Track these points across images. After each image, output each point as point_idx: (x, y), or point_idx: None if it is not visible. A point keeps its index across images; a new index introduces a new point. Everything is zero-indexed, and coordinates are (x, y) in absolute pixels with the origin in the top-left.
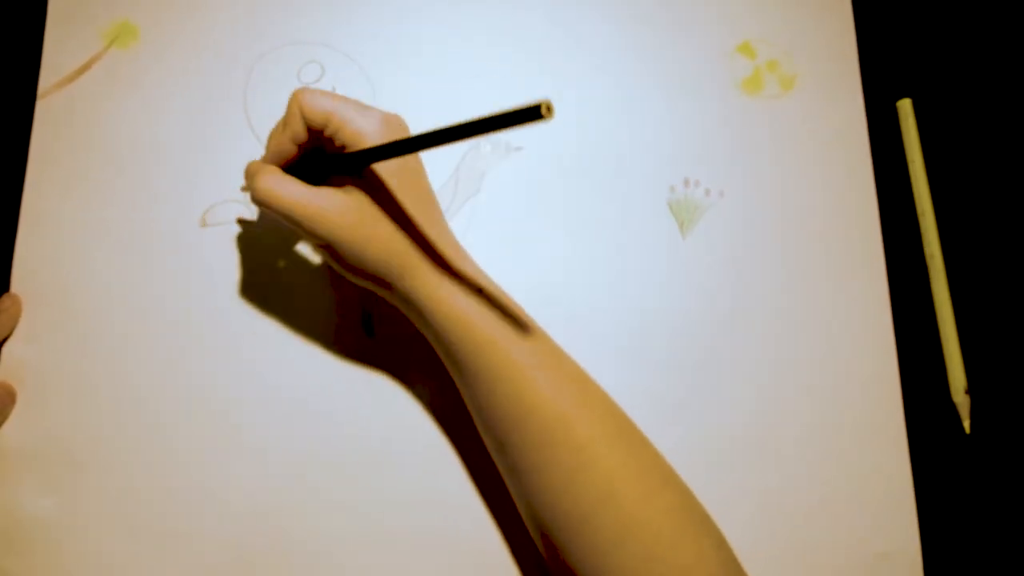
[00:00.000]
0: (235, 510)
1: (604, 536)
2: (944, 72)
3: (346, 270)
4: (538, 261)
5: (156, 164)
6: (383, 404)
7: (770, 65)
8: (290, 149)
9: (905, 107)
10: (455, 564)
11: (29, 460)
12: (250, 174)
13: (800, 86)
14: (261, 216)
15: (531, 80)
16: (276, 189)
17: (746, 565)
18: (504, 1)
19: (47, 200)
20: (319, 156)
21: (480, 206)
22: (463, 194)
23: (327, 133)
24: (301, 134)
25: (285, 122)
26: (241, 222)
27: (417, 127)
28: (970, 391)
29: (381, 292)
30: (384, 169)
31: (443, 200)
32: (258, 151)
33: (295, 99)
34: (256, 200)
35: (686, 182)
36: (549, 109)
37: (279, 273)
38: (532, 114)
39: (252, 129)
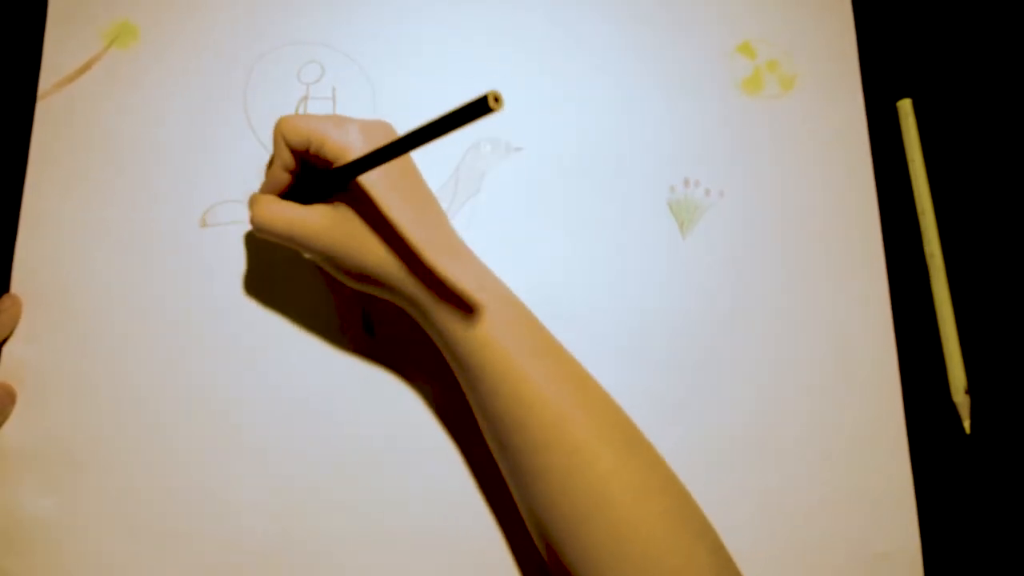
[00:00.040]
0: (235, 510)
1: (599, 538)
2: (944, 72)
3: (350, 279)
4: (538, 261)
5: (156, 164)
6: (383, 404)
7: (770, 65)
8: (283, 177)
9: (905, 107)
10: (455, 564)
11: (29, 460)
12: (248, 205)
13: (800, 86)
14: None
15: (531, 80)
16: (270, 215)
17: (746, 565)
18: (504, 1)
19: (47, 200)
20: (310, 177)
21: (480, 206)
22: (463, 194)
23: (312, 152)
24: (289, 161)
25: (273, 152)
26: (241, 222)
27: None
28: (970, 391)
29: (388, 297)
30: (370, 178)
31: (443, 200)
32: (258, 151)
33: (276, 128)
34: (256, 228)
35: (686, 182)
36: (497, 100)
37: (279, 273)
38: (481, 108)
39: (252, 129)
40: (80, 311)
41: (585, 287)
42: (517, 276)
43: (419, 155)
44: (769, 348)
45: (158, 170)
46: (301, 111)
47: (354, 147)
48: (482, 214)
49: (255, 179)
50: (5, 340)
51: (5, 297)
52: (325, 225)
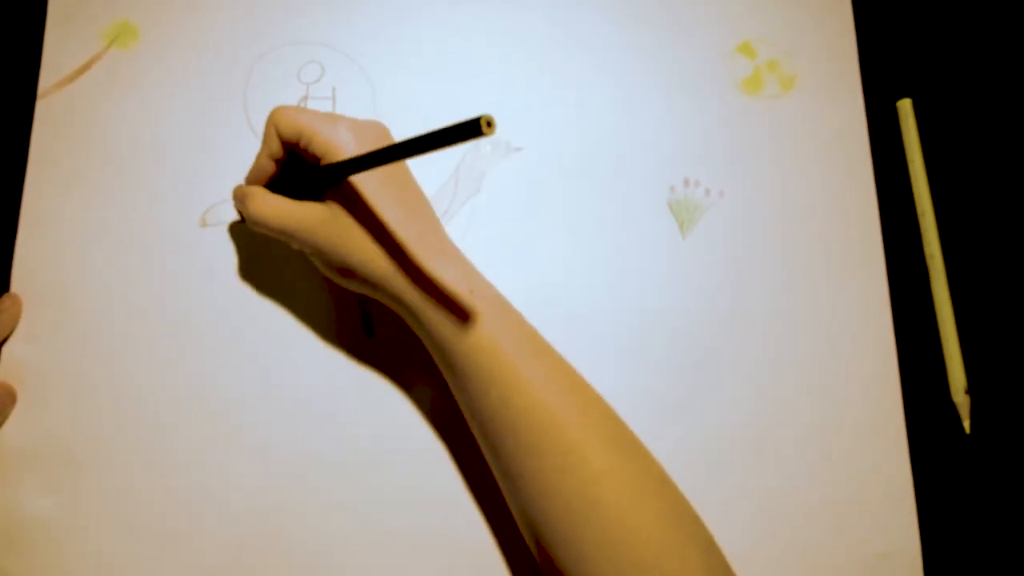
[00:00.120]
0: (235, 510)
1: (592, 540)
2: (944, 72)
3: (338, 276)
4: (538, 261)
5: (156, 164)
6: (383, 404)
7: (770, 65)
8: (269, 166)
9: (905, 107)
10: (455, 564)
11: (29, 460)
12: (239, 198)
13: (800, 86)
14: None
15: (531, 80)
16: (265, 208)
17: (746, 565)
18: (504, 1)
19: (47, 200)
20: (300, 170)
21: (480, 206)
22: (463, 194)
23: (302, 145)
24: (277, 151)
25: (263, 140)
26: (241, 222)
27: (417, 127)
28: (970, 391)
29: (374, 295)
30: (362, 177)
31: (443, 200)
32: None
33: (270, 117)
34: (251, 222)
35: (686, 182)
36: (490, 125)
37: (279, 273)
38: (472, 129)
39: (252, 129)
40: (80, 311)
41: (585, 287)
42: (517, 276)
43: None
44: (769, 348)
45: (158, 170)
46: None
47: (343, 145)
48: (482, 214)
49: None
50: (5, 340)
51: (5, 297)
52: (317, 221)
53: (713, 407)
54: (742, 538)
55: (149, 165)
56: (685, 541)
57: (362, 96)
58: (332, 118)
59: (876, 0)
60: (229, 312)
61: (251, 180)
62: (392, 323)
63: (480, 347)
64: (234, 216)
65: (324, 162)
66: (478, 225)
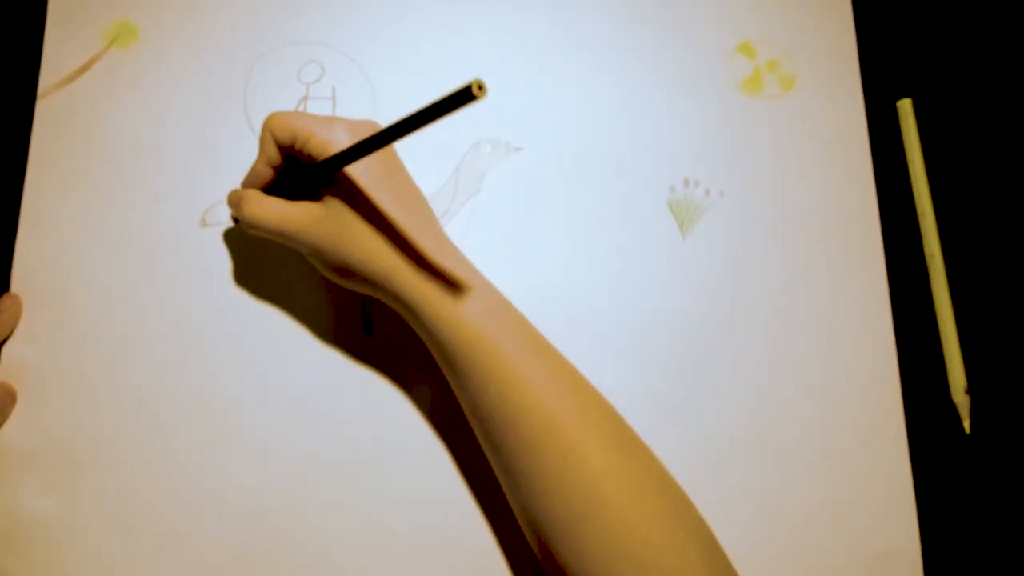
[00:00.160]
0: (235, 510)
1: (593, 538)
2: (944, 72)
3: (336, 275)
4: (538, 261)
5: (156, 164)
6: (383, 404)
7: (770, 65)
8: (266, 172)
9: (905, 107)
10: (455, 564)
11: (29, 460)
12: (234, 202)
13: (800, 86)
14: None
15: (531, 80)
16: (261, 211)
17: (746, 565)
18: (504, 1)
19: (47, 200)
20: (297, 171)
21: (480, 206)
22: (463, 194)
23: (297, 147)
24: (274, 156)
25: (260, 147)
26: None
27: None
28: (970, 391)
29: (374, 293)
30: (356, 174)
31: (443, 200)
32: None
33: (265, 123)
34: (246, 225)
35: (686, 182)
36: (481, 88)
37: (279, 273)
38: (465, 96)
39: (252, 129)
40: (80, 311)
41: (585, 287)
42: (517, 276)
43: (419, 154)
44: (769, 348)
45: (158, 170)
46: (301, 111)
47: (339, 144)
48: (482, 214)
49: None
50: (5, 340)
51: (5, 297)
52: (313, 220)
53: (713, 407)
54: (742, 538)
55: (149, 165)
56: (686, 539)
57: (362, 96)
58: (328, 119)
59: (876, 0)
60: (229, 312)
61: (247, 186)
62: (392, 323)
63: (479, 344)
64: None
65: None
66: (478, 225)
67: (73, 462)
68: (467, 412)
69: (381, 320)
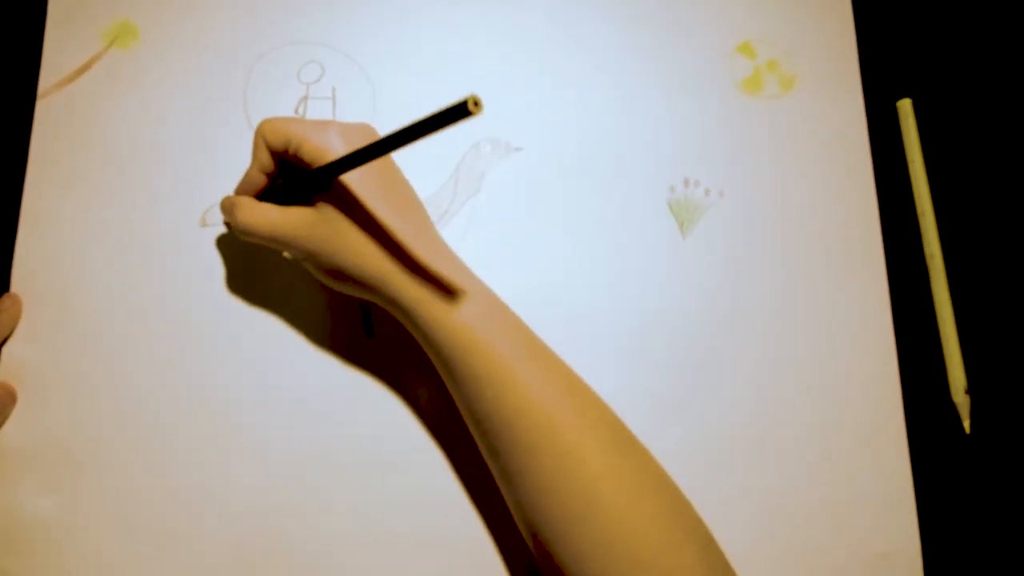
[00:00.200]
0: (235, 510)
1: (589, 540)
2: (944, 72)
3: (331, 279)
4: (538, 261)
5: (156, 164)
6: (383, 404)
7: (770, 65)
8: (259, 178)
9: (905, 107)
10: (455, 564)
11: (29, 460)
12: (227, 209)
13: (800, 86)
14: None
15: (531, 80)
16: (254, 217)
17: (746, 565)
18: (504, 1)
19: (47, 200)
20: (292, 177)
21: (480, 206)
22: (463, 194)
23: (291, 153)
24: (267, 163)
25: (253, 154)
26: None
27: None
28: (970, 391)
29: (370, 297)
30: (350, 179)
31: (443, 200)
32: None
33: (257, 130)
34: (240, 231)
35: (686, 182)
36: (476, 104)
37: (279, 273)
38: (460, 111)
39: (252, 129)
40: (80, 311)
41: (585, 287)
42: (517, 276)
43: (419, 154)
44: (769, 348)
45: (158, 170)
46: (301, 111)
47: (333, 149)
48: (482, 214)
49: None
50: (5, 340)
51: (5, 297)
52: (308, 225)
53: (713, 407)
54: (742, 538)
55: (149, 165)
56: (683, 539)
57: (362, 96)
58: (320, 124)
59: (876, 0)
60: (229, 312)
61: (240, 193)
62: (392, 323)
63: (475, 347)
64: None
65: (314, 168)
66: (478, 225)
67: (73, 462)
68: (464, 414)
69: (381, 320)
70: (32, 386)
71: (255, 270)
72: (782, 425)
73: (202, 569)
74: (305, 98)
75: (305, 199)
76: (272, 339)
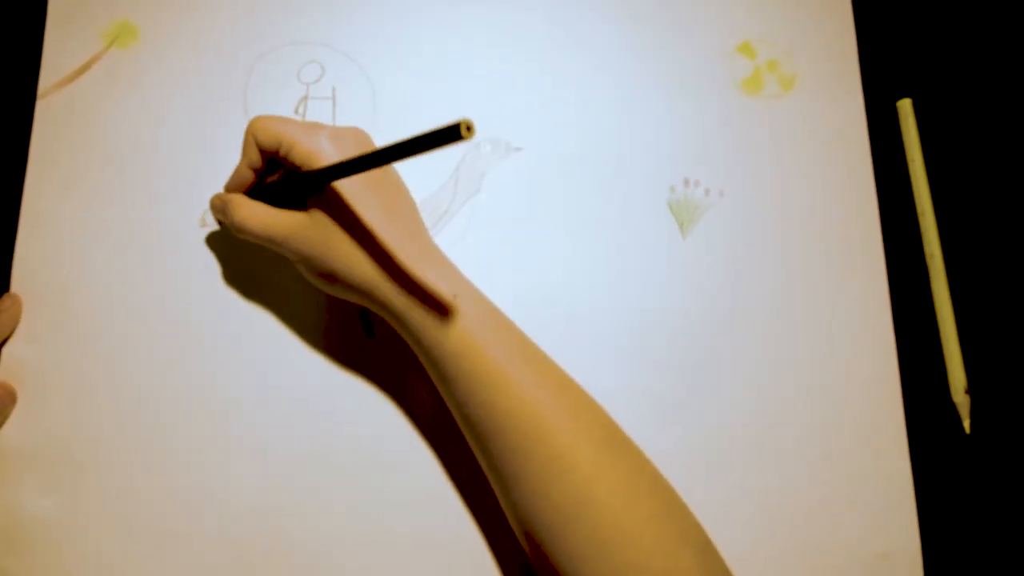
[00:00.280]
0: (235, 510)
1: (583, 541)
2: (944, 72)
3: (323, 282)
4: (538, 261)
5: (156, 164)
6: (383, 404)
7: (770, 65)
8: (247, 175)
9: (905, 107)
10: (454, 564)
11: (29, 460)
12: (218, 207)
13: (800, 86)
14: None
15: (531, 80)
16: (250, 216)
17: (746, 565)
18: (504, 1)
19: (47, 200)
20: (285, 178)
21: (480, 206)
22: (463, 194)
23: (281, 154)
24: (256, 160)
25: (243, 150)
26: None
27: (417, 127)
28: (970, 391)
29: (361, 301)
30: (344, 184)
31: (443, 200)
32: None
33: (248, 127)
34: (235, 229)
35: (686, 182)
36: (469, 129)
37: (279, 273)
38: (452, 134)
39: None
40: (80, 311)
41: (585, 287)
42: (517, 276)
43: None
44: (769, 348)
45: (158, 170)
46: (301, 111)
47: (323, 153)
48: (482, 214)
49: None
50: (5, 340)
51: (5, 297)
52: (300, 227)
53: (713, 407)
54: (742, 538)
55: (149, 165)
56: (678, 541)
57: (362, 96)
58: (312, 127)
59: (876, 0)
60: (229, 312)
61: (230, 189)
62: None
63: (465, 350)
64: None
65: (304, 170)
66: (478, 225)
67: (73, 462)
68: (457, 418)
69: (381, 320)
70: (32, 386)
71: (255, 270)
72: (782, 425)
73: (202, 569)
74: (305, 98)
75: (298, 201)
76: (272, 339)
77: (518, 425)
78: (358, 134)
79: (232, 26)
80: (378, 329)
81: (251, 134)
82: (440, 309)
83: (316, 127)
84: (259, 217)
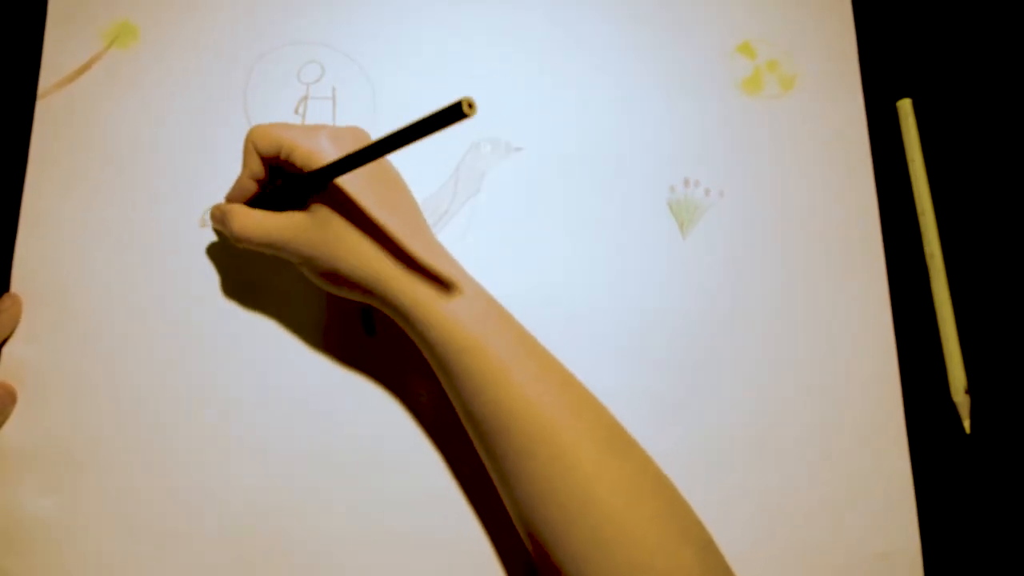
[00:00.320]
0: (235, 510)
1: (586, 541)
2: (944, 72)
3: (327, 283)
4: (538, 261)
5: (156, 164)
6: (383, 403)
7: (770, 65)
8: (250, 186)
9: (905, 107)
10: (455, 564)
11: (29, 460)
12: (218, 218)
13: (800, 86)
14: None
15: (531, 80)
16: (248, 224)
17: (746, 565)
18: (504, 1)
19: (47, 200)
20: (288, 183)
21: (480, 206)
22: (463, 194)
23: (282, 157)
24: (257, 169)
25: (243, 161)
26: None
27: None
28: (970, 391)
29: (364, 299)
30: (345, 182)
31: (443, 200)
32: None
33: (247, 136)
34: (235, 239)
35: (686, 182)
36: (471, 106)
37: (279, 273)
38: (455, 113)
39: None
40: (80, 311)
41: (585, 287)
42: (517, 276)
43: (419, 154)
44: (769, 348)
45: (158, 170)
46: (301, 111)
47: (324, 153)
48: (482, 214)
49: None
50: (5, 340)
51: (5, 297)
52: (302, 229)
53: (713, 407)
54: (742, 538)
55: (149, 165)
56: (681, 541)
57: (362, 96)
58: (311, 128)
59: (876, 0)
60: (229, 312)
61: (231, 200)
62: (392, 322)
63: (471, 348)
64: None
65: (306, 172)
66: (478, 225)
67: (73, 462)
68: (460, 416)
69: (381, 319)
70: (32, 386)
71: (255, 270)
72: (782, 425)
73: (202, 569)
74: (305, 98)
75: (298, 204)
76: (272, 339)
77: (522, 424)
78: (357, 133)
79: (232, 26)
80: (378, 328)
81: (250, 142)
82: (447, 303)
83: (315, 128)
84: (259, 224)
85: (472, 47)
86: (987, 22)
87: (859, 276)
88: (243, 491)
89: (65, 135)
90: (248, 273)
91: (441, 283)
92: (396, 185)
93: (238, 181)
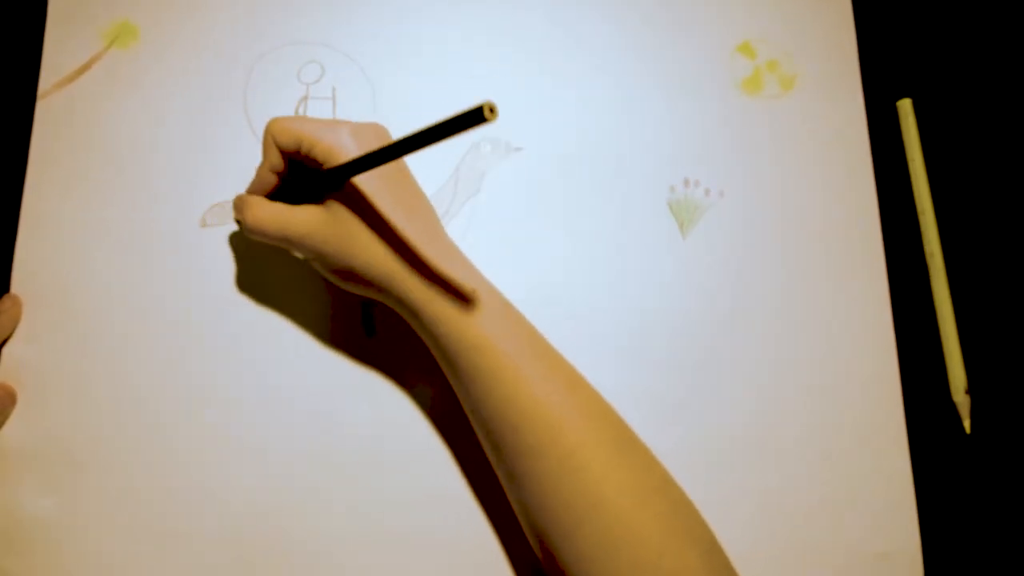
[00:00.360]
0: (235, 510)
1: (593, 542)
2: (944, 72)
3: (340, 279)
4: (538, 261)
5: (156, 164)
6: (384, 403)
7: (770, 65)
8: (270, 178)
9: (905, 107)
10: (455, 564)
11: (29, 460)
12: (238, 207)
13: (800, 86)
14: None
15: (531, 80)
16: (263, 216)
17: (746, 565)
18: (504, 1)
19: (47, 200)
20: (303, 177)
21: (480, 206)
22: (463, 194)
23: (302, 153)
24: (277, 163)
25: (263, 154)
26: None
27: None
28: (970, 391)
29: (377, 297)
30: (362, 180)
31: (443, 200)
32: (258, 151)
33: (266, 129)
34: (249, 231)
35: (686, 182)
36: (492, 111)
37: (279, 273)
38: (475, 117)
39: (252, 129)
40: (80, 311)
41: (585, 287)
42: (517, 276)
43: (420, 154)
44: (769, 348)
45: (158, 170)
46: (301, 111)
47: (345, 149)
48: (482, 214)
49: None
50: (5, 340)
51: (5, 297)
52: (317, 225)
53: (713, 407)
54: (742, 538)
55: (149, 165)
56: (687, 541)
57: (362, 96)
58: (332, 123)
59: (876, 0)
60: (229, 312)
61: (252, 193)
62: (394, 322)
63: (482, 347)
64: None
65: (326, 168)
66: (478, 225)
67: (73, 462)
68: (469, 415)
69: (383, 319)
70: (32, 386)
71: (255, 270)
72: (782, 425)
73: (202, 569)
74: (305, 98)
75: (316, 198)
76: (272, 339)
77: (532, 424)
78: (378, 129)
79: (232, 26)
80: (379, 329)
81: (270, 135)
82: (462, 301)
83: (336, 123)
84: (274, 218)
85: (472, 47)
86: (987, 22)
87: (859, 276)
88: (243, 491)
89: (65, 135)
90: (248, 273)
91: (455, 283)
92: (412, 185)
93: (258, 173)
